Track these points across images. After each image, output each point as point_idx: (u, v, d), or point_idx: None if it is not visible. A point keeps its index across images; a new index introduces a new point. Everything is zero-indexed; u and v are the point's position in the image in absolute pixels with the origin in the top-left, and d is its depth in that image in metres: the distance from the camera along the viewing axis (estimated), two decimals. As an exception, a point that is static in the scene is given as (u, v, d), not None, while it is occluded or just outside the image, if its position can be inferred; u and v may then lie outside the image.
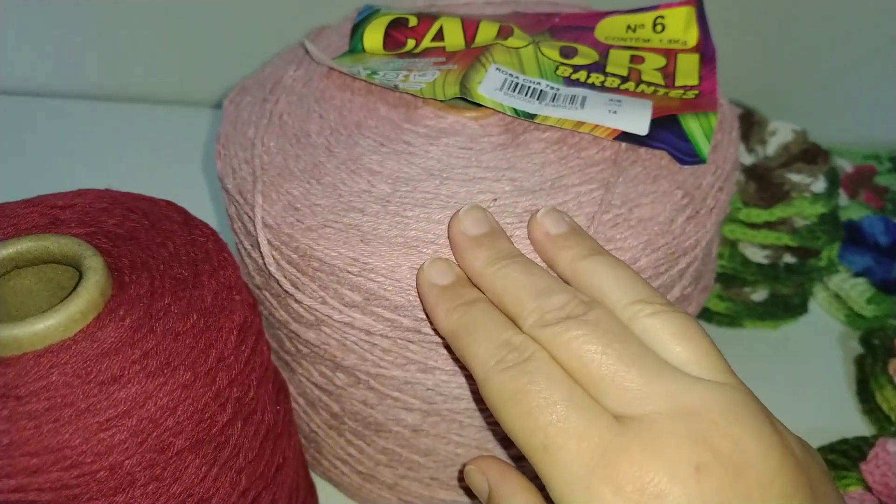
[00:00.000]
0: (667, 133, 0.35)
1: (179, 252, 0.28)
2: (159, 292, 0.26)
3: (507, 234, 0.31)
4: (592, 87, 0.38)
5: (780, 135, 0.54)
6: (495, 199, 0.32)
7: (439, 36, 0.41)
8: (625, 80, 0.38)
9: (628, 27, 0.42)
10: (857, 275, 0.57)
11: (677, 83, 0.38)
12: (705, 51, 0.40)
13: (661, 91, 0.38)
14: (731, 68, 0.70)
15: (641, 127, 0.34)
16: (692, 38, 0.41)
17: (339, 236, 0.31)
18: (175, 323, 0.25)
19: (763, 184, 0.51)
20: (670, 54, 0.40)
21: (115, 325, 0.25)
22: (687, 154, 0.34)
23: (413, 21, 0.42)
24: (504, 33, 0.41)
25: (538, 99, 0.36)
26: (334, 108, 0.38)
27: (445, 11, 0.44)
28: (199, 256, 0.28)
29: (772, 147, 0.54)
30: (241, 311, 0.28)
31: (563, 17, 0.43)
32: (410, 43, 0.41)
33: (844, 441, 0.42)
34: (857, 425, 0.51)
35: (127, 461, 0.23)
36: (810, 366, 0.55)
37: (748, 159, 0.54)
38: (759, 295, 0.55)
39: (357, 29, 0.42)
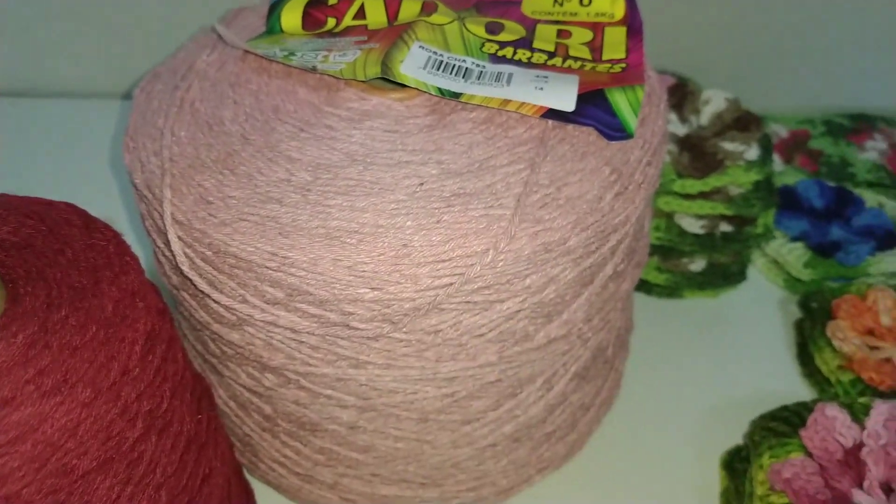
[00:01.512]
0: (594, 108, 0.33)
1: (79, 258, 0.26)
2: (56, 304, 0.24)
3: (435, 218, 0.29)
4: (519, 63, 0.36)
5: (713, 104, 0.54)
6: (421, 184, 0.31)
7: (361, 14, 0.39)
8: (552, 55, 0.37)
9: (555, 1, 0.40)
10: (794, 239, 0.57)
11: (605, 57, 0.37)
12: (632, 23, 0.39)
13: (589, 66, 0.36)
14: (663, 38, 0.69)
15: (568, 103, 0.33)
16: (619, 10, 0.39)
17: (255, 230, 0.29)
18: (73, 336, 0.23)
19: (697, 154, 0.51)
20: (597, 28, 0.39)
21: (6, 343, 0.23)
22: (614, 129, 0.33)
23: (332, -1, 0.40)
24: (428, 9, 0.39)
25: (463, 77, 0.35)
26: (250, 92, 0.35)
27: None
28: (100, 262, 0.26)
29: (705, 116, 0.54)
30: (147, 319, 0.26)
31: (489, -9, 0.42)
32: (331, 22, 0.39)
33: (784, 408, 0.42)
34: (800, 390, 0.51)
35: (25, 489, 0.21)
36: (751, 332, 0.55)
37: (682, 130, 0.53)
38: (697, 265, 0.55)
39: (274, 9, 0.40)
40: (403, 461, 0.36)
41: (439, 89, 0.34)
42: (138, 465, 0.26)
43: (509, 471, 0.40)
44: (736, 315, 0.56)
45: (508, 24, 0.39)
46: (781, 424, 0.41)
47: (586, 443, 0.44)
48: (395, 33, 0.36)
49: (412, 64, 0.34)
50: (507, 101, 0.33)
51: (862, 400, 0.42)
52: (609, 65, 0.36)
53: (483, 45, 0.37)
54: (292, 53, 0.36)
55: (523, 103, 0.33)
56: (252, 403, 0.36)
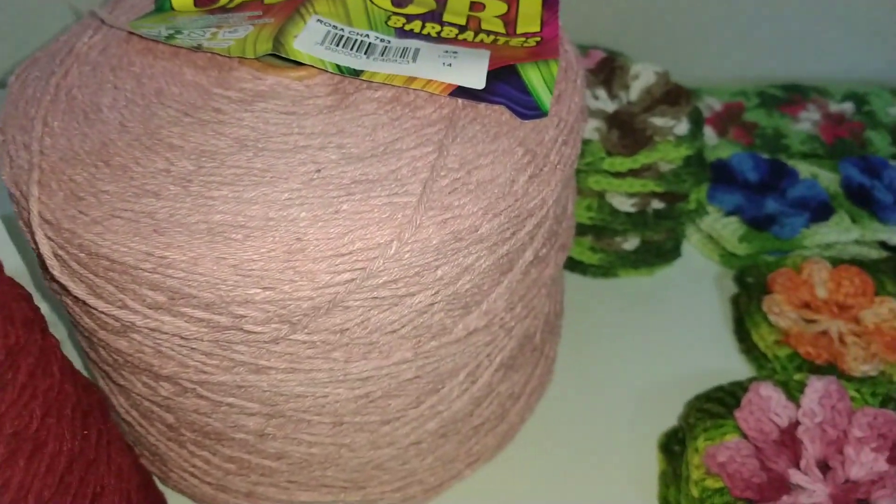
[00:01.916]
0: (505, 86, 0.31)
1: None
2: None
3: (333, 208, 0.27)
4: (427, 38, 0.33)
5: (642, 78, 0.52)
6: (318, 171, 0.28)
7: (256, -14, 0.36)
8: (463, 29, 0.34)
9: (469, -30, 0.38)
10: (729, 214, 0.56)
11: (518, 31, 0.35)
12: (547, -7, 0.37)
13: (502, 40, 0.34)
14: (594, 12, 0.67)
15: (478, 80, 0.31)
16: (535, -22, 0.37)
17: (128, 227, 0.26)
18: None
19: (625, 131, 0.49)
20: (512, 0, 0.37)
21: None
22: (528, 107, 0.31)
23: (225, -28, 0.36)
24: (329, -20, 0.36)
25: (366, 53, 0.32)
26: (132, 76, 0.32)
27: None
28: (-60, 271, 0.23)
29: (635, 92, 0.52)
30: (7, 332, 0.23)
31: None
32: (223, -3, 0.36)
33: (720, 388, 0.41)
34: (739, 366, 0.50)
35: None
36: (688, 310, 0.53)
37: (611, 106, 0.51)
38: (631, 243, 0.53)
39: (165, -15, 0.37)
40: (320, 466, 0.34)
41: (338, 66, 0.31)
42: (4, 493, 0.23)
43: (437, 468, 0.38)
44: (672, 292, 0.55)
45: (419, -5, 0.36)
46: (716, 405, 0.40)
47: (518, 432, 0.42)
48: (292, 7, 0.34)
49: (308, 39, 0.32)
50: (412, 79, 0.31)
51: (797, 377, 0.41)
52: (523, 39, 0.34)
53: (389, 18, 0.34)
54: (178, 32, 0.33)
55: (430, 81, 0.30)
56: (153, 413, 0.33)
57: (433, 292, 0.29)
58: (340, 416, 0.32)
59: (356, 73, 0.31)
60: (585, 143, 0.48)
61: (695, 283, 0.55)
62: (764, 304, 0.49)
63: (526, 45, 0.34)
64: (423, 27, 0.34)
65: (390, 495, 0.37)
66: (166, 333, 0.27)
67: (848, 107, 0.68)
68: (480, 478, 0.41)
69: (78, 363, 0.41)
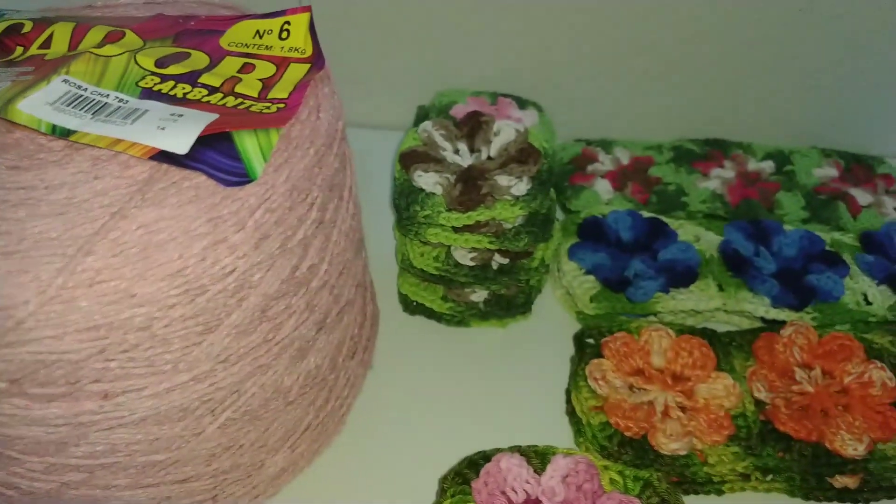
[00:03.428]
0: (213, 152, 0.31)
1: None
2: None
3: None
4: (172, 99, 0.34)
5: (503, 135, 0.51)
6: None
7: (47, 43, 0.37)
8: (213, 91, 0.35)
9: (257, 32, 0.38)
10: (588, 272, 0.54)
11: (270, 96, 0.35)
12: (316, 62, 0.37)
13: (247, 104, 0.34)
14: (520, 62, 0.66)
15: (181, 145, 0.31)
16: (310, 47, 0.37)
17: None
18: None
19: (469, 187, 0.48)
20: (284, 63, 0.37)
21: None
22: (234, 174, 0.31)
23: (28, 26, 0.38)
24: (111, 39, 0.37)
25: (95, 113, 0.33)
26: None
27: (69, 15, 0.40)
28: None
29: (495, 147, 0.51)
30: None
31: (201, 21, 0.39)
32: (18, 50, 0.37)
33: (481, 453, 0.40)
34: (565, 429, 0.49)
35: None
36: (535, 365, 0.52)
37: (468, 161, 0.50)
38: (479, 296, 0.52)
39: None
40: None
41: (53, 126, 0.32)
42: None
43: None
44: (523, 347, 0.53)
45: (196, 54, 0.37)
46: (471, 472, 0.38)
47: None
48: (55, 65, 0.35)
49: (41, 99, 0.33)
50: (118, 142, 0.31)
51: (548, 450, 0.40)
52: (267, 104, 0.34)
53: (143, 78, 0.35)
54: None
55: (134, 144, 0.31)
56: None
57: (99, 350, 0.29)
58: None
59: (67, 134, 0.32)
60: (428, 195, 0.48)
61: (549, 338, 0.53)
62: (587, 368, 0.47)
63: (265, 111, 0.34)
64: (172, 88, 0.35)
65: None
66: None
67: (767, 165, 0.65)
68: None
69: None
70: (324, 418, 0.41)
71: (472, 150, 0.51)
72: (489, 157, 0.51)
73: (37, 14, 0.39)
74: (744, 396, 0.46)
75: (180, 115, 0.32)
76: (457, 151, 0.51)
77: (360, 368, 0.44)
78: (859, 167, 0.64)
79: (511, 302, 0.52)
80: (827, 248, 0.55)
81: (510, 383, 0.51)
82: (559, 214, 0.62)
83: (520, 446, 0.39)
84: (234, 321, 0.32)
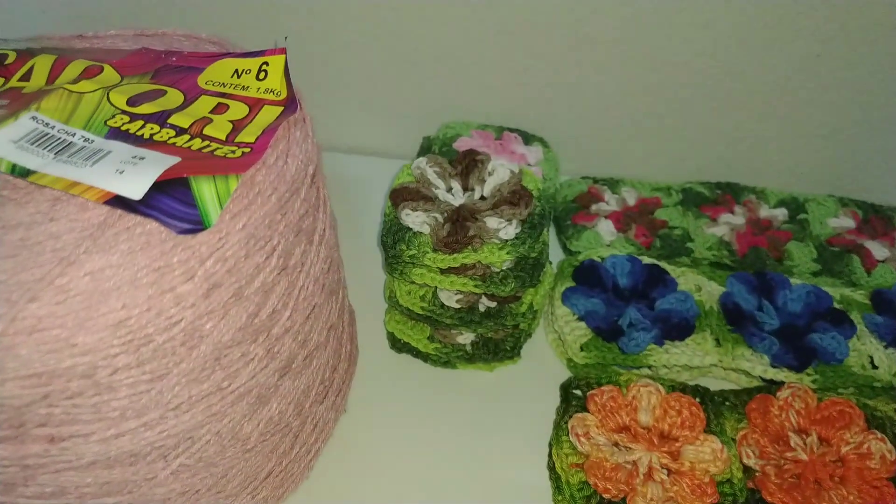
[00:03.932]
0: (168, 198, 0.30)
1: None
2: None
3: None
4: (138, 139, 0.33)
5: (497, 175, 0.49)
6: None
7: (27, 76, 0.37)
8: (181, 132, 0.34)
9: (235, 72, 0.38)
10: (581, 319, 0.52)
11: (237, 139, 0.34)
12: (289, 105, 0.36)
13: (213, 146, 0.33)
14: (535, 98, 0.65)
15: (136, 191, 0.30)
16: (285, 89, 0.36)
17: None
18: None
19: (455, 228, 0.47)
20: (258, 105, 0.36)
21: None
22: (187, 221, 0.30)
23: (11, 58, 0.38)
24: (88, 74, 0.37)
25: (58, 153, 0.32)
26: None
27: (56, 46, 0.40)
28: None
29: (488, 187, 0.49)
30: None
31: (182, 57, 0.39)
32: (-1, 82, 0.37)
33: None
34: (544, 482, 0.47)
35: None
36: (524, 413, 0.50)
37: (459, 200, 0.49)
38: (465, 338, 0.51)
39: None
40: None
41: (13, 166, 0.31)
42: None
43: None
44: (510, 392, 0.51)
45: (172, 92, 0.36)
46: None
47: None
48: (27, 100, 0.35)
49: (6, 136, 0.32)
50: (74, 185, 0.31)
51: None
52: (233, 148, 0.33)
53: (113, 117, 0.34)
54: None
55: (90, 188, 0.30)
56: None
57: (42, 396, 0.29)
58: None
59: (26, 174, 0.31)
60: (415, 234, 0.47)
61: (538, 383, 0.51)
62: (571, 423, 0.45)
63: (230, 155, 0.33)
64: (141, 128, 0.34)
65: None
66: None
67: (780, 213, 0.62)
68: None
69: None
70: (287, 465, 0.40)
71: (465, 189, 0.50)
72: (482, 197, 0.49)
73: (23, 44, 0.39)
74: (731, 462, 0.44)
75: (142, 158, 0.32)
76: (450, 189, 0.50)
77: (330, 413, 0.43)
78: (878, 219, 0.61)
79: (499, 346, 0.51)
80: (835, 304, 0.52)
81: (492, 430, 0.49)
82: (559, 254, 0.60)
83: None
84: (185, 369, 0.31)
